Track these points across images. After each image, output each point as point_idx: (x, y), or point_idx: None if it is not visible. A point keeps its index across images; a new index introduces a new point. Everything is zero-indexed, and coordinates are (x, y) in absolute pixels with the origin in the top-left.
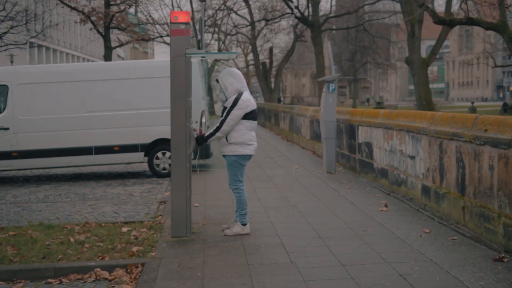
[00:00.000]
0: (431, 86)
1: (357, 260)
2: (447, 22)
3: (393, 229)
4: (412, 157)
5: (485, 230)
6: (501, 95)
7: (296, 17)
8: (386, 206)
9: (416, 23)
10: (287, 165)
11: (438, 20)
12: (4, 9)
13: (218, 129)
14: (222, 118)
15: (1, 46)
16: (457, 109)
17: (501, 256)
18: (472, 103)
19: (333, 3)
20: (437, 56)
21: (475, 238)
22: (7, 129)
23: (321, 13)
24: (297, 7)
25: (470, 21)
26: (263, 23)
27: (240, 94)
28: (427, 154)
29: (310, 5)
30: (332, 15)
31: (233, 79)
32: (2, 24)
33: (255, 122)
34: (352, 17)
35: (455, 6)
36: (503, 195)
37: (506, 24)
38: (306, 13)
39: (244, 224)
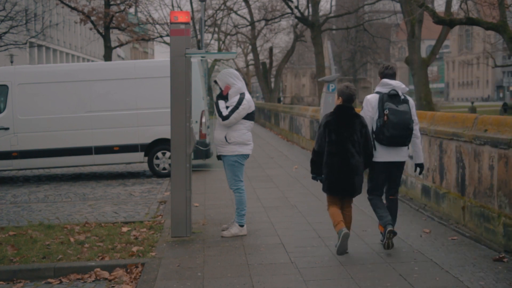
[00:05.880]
0: (431, 86)
1: (357, 260)
2: (447, 22)
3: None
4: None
5: (485, 230)
6: (501, 95)
7: (296, 17)
8: None
9: (416, 23)
10: (287, 165)
11: (438, 20)
12: (4, 9)
13: (226, 117)
14: (227, 113)
15: (1, 46)
16: (457, 109)
17: (501, 256)
18: (472, 103)
19: (333, 3)
20: (437, 56)
21: (475, 238)
22: (7, 129)
23: (321, 13)
24: (297, 7)
25: (470, 21)
26: (263, 23)
27: (243, 95)
28: (427, 154)
29: (310, 5)
30: (332, 15)
31: (235, 80)
32: (2, 24)
33: (253, 122)
34: (352, 17)
35: (455, 6)
36: (503, 195)
37: (506, 24)
38: (306, 13)
39: (242, 225)
